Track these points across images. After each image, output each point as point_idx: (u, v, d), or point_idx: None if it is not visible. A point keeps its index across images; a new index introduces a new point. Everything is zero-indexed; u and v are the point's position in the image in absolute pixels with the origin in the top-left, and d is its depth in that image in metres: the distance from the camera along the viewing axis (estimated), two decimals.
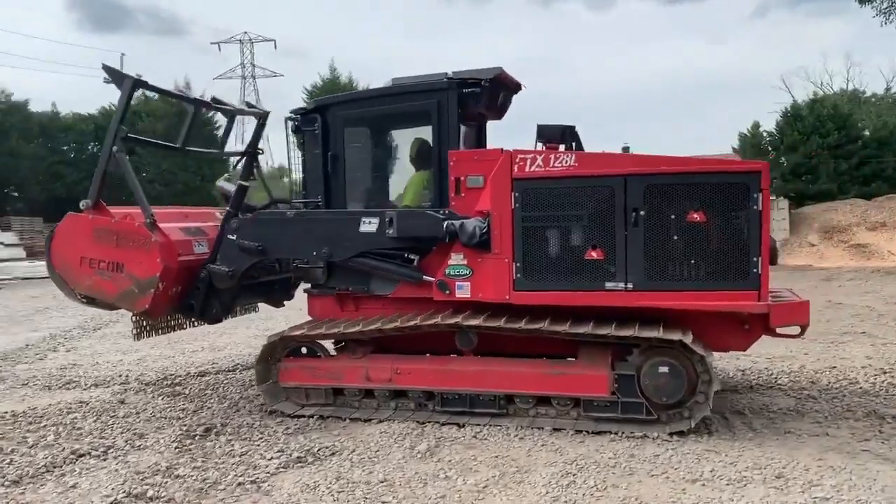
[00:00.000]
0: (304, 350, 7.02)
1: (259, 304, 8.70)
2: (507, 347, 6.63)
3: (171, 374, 8.82)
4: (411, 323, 6.42)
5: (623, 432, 5.97)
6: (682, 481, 5.01)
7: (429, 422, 6.39)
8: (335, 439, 6.05)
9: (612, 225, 6.02)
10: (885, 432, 5.92)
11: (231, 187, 7.56)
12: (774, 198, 36.80)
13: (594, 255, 6.07)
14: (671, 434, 5.89)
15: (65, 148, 40.34)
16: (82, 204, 6.93)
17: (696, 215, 5.89)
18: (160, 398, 7.64)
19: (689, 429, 5.89)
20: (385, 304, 6.97)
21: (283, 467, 5.44)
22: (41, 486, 5.25)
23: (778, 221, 34.99)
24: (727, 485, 4.92)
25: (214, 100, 8.07)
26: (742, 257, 5.85)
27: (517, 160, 6.20)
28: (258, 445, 5.96)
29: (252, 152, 8.31)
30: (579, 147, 6.88)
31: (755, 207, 5.79)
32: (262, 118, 8.32)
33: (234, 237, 6.93)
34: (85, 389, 8.26)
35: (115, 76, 6.75)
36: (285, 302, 8.44)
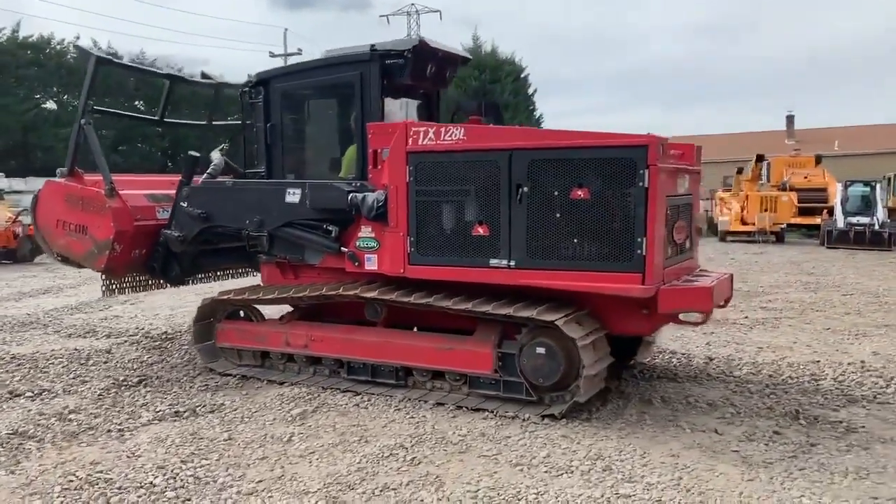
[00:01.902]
0: (241, 313, 7.41)
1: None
2: (413, 321, 6.66)
3: (176, 330, 9.55)
4: (317, 293, 6.62)
5: (498, 411, 5.86)
6: (505, 464, 4.90)
7: (333, 388, 6.58)
8: (232, 398, 6.41)
9: (497, 200, 5.87)
10: (780, 434, 5.41)
11: (220, 158, 8.05)
12: None
13: (480, 230, 5.96)
14: (542, 417, 5.71)
15: (230, 118, 43.45)
16: (58, 172, 7.68)
17: (580, 192, 5.62)
18: (140, 351, 8.36)
19: (560, 413, 5.69)
20: (320, 273, 7.18)
21: (157, 420, 5.88)
22: None
23: None
24: (545, 472, 4.76)
25: (203, 74, 8.58)
26: (626, 238, 5.53)
27: (411, 133, 6.18)
28: (164, 398, 6.44)
29: (248, 124, 8.74)
30: (499, 121, 6.72)
31: (641, 185, 5.43)
32: None
33: (185, 204, 7.40)
34: (96, 339, 9.16)
35: (82, 55, 7.40)
36: None
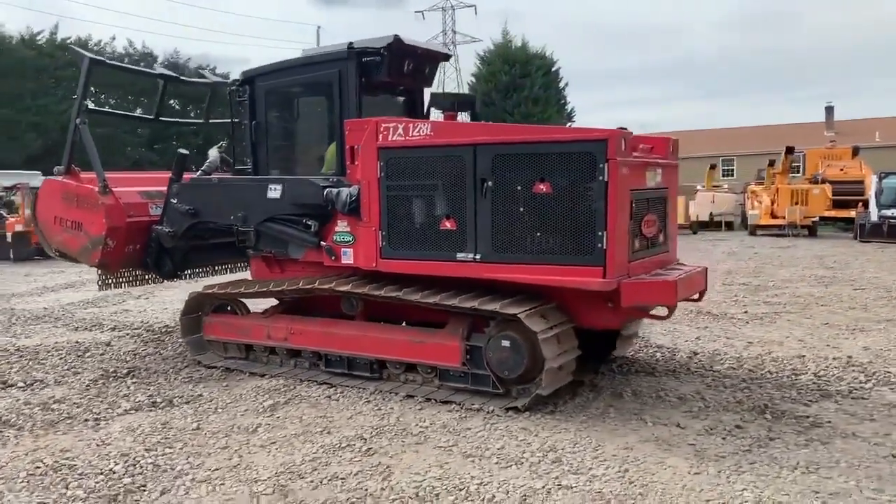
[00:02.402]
0: (228, 307, 7.59)
1: None
2: (391, 314, 6.75)
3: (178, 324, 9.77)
4: (294, 287, 6.76)
5: (465, 404, 5.93)
6: (459, 455, 4.97)
7: (311, 380, 6.71)
8: (211, 389, 6.58)
9: (463, 195, 5.94)
10: (742, 428, 5.37)
11: (216, 155, 8.27)
12: None
13: (448, 225, 6.03)
14: (507, 409, 5.77)
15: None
16: (56, 170, 7.94)
17: (542, 186, 5.65)
18: (138, 343, 8.60)
19: (523, 405, 5.73)
20: (304, 267, 7.30)
21: (133, 410, 6.07)
22: None
23: None
24: (495, 463, 4.82)
25: (199, 73, 8.77)
26: (587, 231, 5.55)
27: (382, 129, 6.27)
28: (147, 389, 6.64)
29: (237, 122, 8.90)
30: (475, 117, 6.77)
31: (601, 178, 5.45)
32: None
33: (175, 201, 7.60)
34: (100, 332, 9.44)
35: (75, 56, 7.62)
36: None
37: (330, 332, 6.79)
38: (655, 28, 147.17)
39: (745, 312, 9.91)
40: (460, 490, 4.45)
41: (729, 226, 30.56)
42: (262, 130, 7.35)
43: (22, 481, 4.68)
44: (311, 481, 4.62)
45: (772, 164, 29.27)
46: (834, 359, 7.27)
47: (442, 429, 5.47)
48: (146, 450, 5.15)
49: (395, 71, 6.91)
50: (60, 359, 7.82)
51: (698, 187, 33.18)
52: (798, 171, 37.01)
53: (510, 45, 45.27)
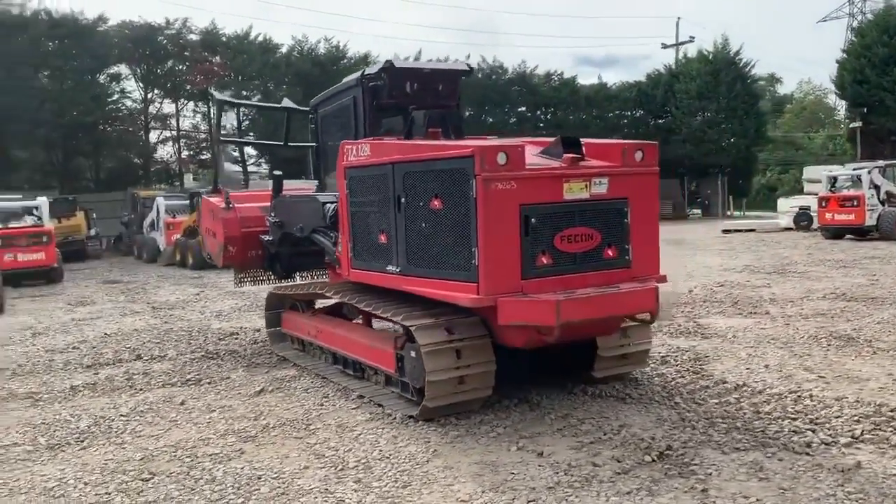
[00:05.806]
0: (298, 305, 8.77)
1: None
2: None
3: None
4: (301, 291, 7.72)
5: (388, 408, 6.26)
6: (308, 452, 5.43)
7: (320, 374, 7.56)
8: (247, 375, 7.80)
9: (389, 211, 6.28)
10: (598, 466, 4.86)
11: None
12: None
13: (382, 238, 6.42)
14: (408, 417, 5.98)
15: (609, 115, 44.83)
16: (204, 191, 9.89)
17: (435, 202, 5.79)
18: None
19: (415, 415, 5.90)
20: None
21: (168, 384, 7.56)
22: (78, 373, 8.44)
23: None
24: (319, 464, 5.21)
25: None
26: (464, 247, 5.56)
27: (345, 149, 6.86)
28: (209, 369, 8.11)
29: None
30: (459, 131, 6.95)
31: (471, 194, 5.43)
32: None
33: (272, 215, 9.00)
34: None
35: (210, 98, 9.47)
36: None
37: (336, 332, 7.56)
38: None
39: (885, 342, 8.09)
40: (251, 480, 4.97)
41: None
42: (322, 151, 8.36)
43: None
44: (176, 455, 5.53)
45: None
46: (878, 404, 5.84)
47: (336, 429, 5.93)
48: (122, 415, 6.56)
49: (398, 92, 7.35)
50: (204, 340, 9.78)
51: None
52: None
53: (894, 11, 38.83)
